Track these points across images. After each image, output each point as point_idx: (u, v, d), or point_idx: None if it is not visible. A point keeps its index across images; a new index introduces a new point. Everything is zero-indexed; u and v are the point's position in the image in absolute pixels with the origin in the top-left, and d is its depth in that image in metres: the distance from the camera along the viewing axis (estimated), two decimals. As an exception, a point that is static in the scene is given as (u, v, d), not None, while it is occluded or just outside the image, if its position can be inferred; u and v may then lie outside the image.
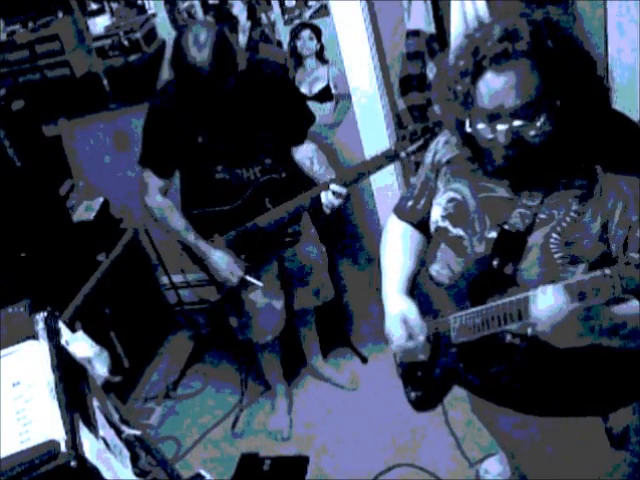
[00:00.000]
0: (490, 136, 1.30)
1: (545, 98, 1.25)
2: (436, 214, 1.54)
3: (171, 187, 2.47)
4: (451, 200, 1.50)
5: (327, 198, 2.21)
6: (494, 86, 1.26)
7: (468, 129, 1.35)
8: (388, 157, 2.14)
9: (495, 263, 1.39)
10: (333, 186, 2.20)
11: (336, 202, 2.20)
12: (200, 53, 2.07)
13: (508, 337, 1.39)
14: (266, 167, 2.40)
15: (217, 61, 2.08)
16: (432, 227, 1.57)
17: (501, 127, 1.28)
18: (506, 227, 1.38)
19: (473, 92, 1.30)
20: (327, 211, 2.24)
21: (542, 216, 1.34)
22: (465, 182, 1.48)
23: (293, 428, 2.85)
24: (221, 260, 2.42)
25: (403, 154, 2.08)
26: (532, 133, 1.27)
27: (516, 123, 1.26)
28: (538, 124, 1.26)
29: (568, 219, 1.31)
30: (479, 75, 1.28)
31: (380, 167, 2.18)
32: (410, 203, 1.68)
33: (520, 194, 1.38)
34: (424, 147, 2.38)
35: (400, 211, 1.73)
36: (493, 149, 1.33)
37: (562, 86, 1.24)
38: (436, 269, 1.57)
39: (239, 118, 2.31)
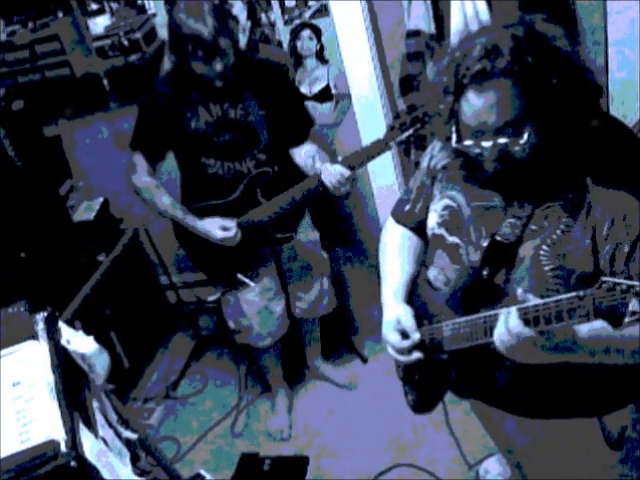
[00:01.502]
0: (477, 151, 1.30)
1: (529, 114, 1.24)
2: (432, 220, 1.54)
3: (158, 171, 2.47)
4: (446, 207, 1.50)
5: (327, 180, 2.18)
6: (475, 105, 1.25)
7: (454, 144, 1.34)
8: (378, 148, 2.12)
9: (485, 273, 1.39)
10: (329, 166, 2.17)
11: (334, 180, 2.16)
12: (197, 23, 2.08)
13: None
14: (260, 162, 2.40)
15: (220, 26, 2.10)
16: (429, 233, 1.57)
17: (486, 144, 1.28)
18: (496, 237, 1.38)
19: (457, 108, 1.30)
20: (334, 192, 2.20)
21: (533, 227, 1.34)
22: (460, 189, 1.48)
23: (293, 428, 2.85)
24: (210, 224, 2.39)
25: (392, 144, 2.08)
26: (517, 148, 1.26)
27: (501, 140, 1.26)
28: (522, 141, 1.25)
29: (558, 231, 1.31)
30: (461, 93, 1.28)
31: (370, 158, 2.16)
32: (407, 207, 1.68)
33: (511, 204, 1.38)
34: (420, 141, 2.35)
35: (397, 215, 1.73)
36: (483, 162, 1.33)
37: (545, 102, 1.23)
38: (433, 274, 1.57)
39: (237, 112, 2.31)
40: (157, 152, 2.44)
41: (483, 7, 2.44)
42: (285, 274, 2.67)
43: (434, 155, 1.58)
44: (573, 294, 1.14)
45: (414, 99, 2.72)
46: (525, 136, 1.25)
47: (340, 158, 2.18)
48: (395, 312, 1.59)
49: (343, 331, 3.13)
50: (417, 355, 1.56)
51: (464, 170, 1.46)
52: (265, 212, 2.39)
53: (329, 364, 3.03)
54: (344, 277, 3.24)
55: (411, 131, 2.02)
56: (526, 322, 1.22)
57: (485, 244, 1.41)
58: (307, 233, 2.65)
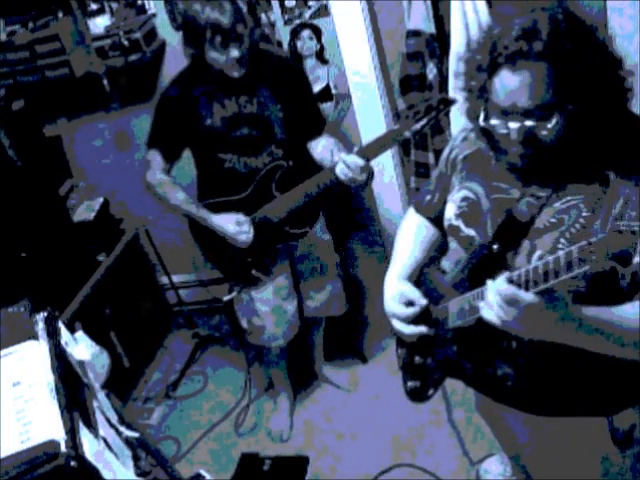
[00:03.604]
0: (503, 131, 1.30)
1: (559, 100, 1.24)
2: (450, 212, 1.54)
3: (173, 169, 2.47)
4: (465, 199, 1.50)
5: (342, 172, 2.16)
6: (508, 84, 1.25)
7: (482, 123, 1.34)
8: (393, 138, 2.11)
9: (495, 247, 1.39)
10: (344, 156, 2.15)
11: (349, 171, 2.14)
12: (214, 11, 2.10)
13: (514, 343, 1.39)
14: (276, 157, 2.40)
15: (236, 12, 2.12)
16: (445, 224, 1.56)
17: (513, 125, 1.27)
18: (512, 213, 1.38)
19: (489, 86, 1.30)
20: (350, 183, 2.18)
21: (552, 220, 1.33)
22: (480, 181, 1.48)
23: (293, 430, 2.85)
24: (223, 219, 2.38)
25: (408, 133, 2.06)
26: (544, 133, 1.26)
27: (528, 122, 1.26)
28: (550, 125, 1.25)
29: (577, 225, 1.30)
30: (495, 71, 1.28)
31: (384, 148, 2.15)
32: (428, 197, 1.68)
33: (530, 186, 1.38)
34: (421, 141, 2.32)
35: (418, 205, 1.74)
36: (508, 146, 1.33)
37: (577, 89, 1.23)
38: (447, 265, 1.58)
39: (253, 106, 2.32)
40: (174, 150, 2.44)
41: (483, 7, 2.44)
42: (298, 273, 2.67)
43: (456, 146, 1.58)
44: (583, 242, 1.13)
45: (414, 99, 2.73)
46: (553, 121, 1.25)
47: (355, 149, 2.17)
48: (398, 288, 1.60)
49: (345, 333, 3.13)
50: (423, 328, 1.56)
51: (486, 159, 1.46)
52: (280, 207, 2.38)
53: (330, 365, 3.03)
54: (354, 279, 3.24)
55: (425, 120, 2.00)
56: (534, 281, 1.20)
57: (500, 220, 1.41)
58: (321, 235, 2.65)
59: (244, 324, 2.70)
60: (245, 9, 2.19)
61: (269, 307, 2.59)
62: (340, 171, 2.16)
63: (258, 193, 2.40)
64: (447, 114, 2.16)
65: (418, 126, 2.02)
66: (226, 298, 2.62)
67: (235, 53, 2.18)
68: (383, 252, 3.20)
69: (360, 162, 2.13)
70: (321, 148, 2.44)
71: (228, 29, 2.13)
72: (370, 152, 2.15)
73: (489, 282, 1.26)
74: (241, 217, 2.38)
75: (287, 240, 2.51)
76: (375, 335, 3.10)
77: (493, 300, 1.23)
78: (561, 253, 1.16)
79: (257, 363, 3.07)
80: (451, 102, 1.99)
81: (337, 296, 2.78)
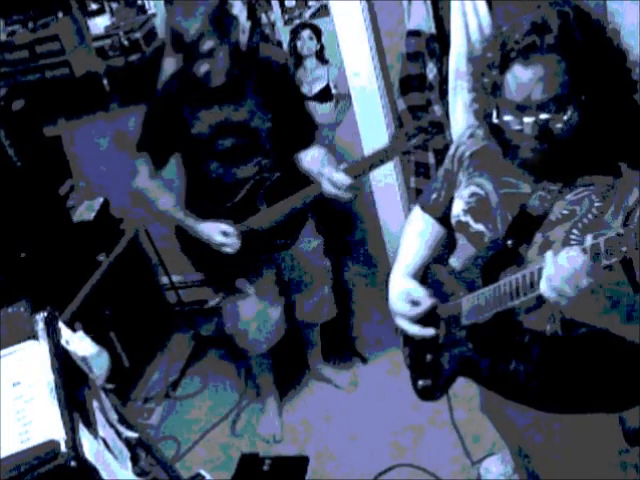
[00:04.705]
0: (517, 127, 1.31)
1: (573, 92, 1.25)
2: (457, 208, 1.54)
3: (160, 173, 2.46)
4: (473, 195, 1.50)
5: (328, 188, 2.15)
6: (522, 78, 1.27)
7: (495, 120, 1.35)
8: (381, 157, 2.10)
9: (509, 243, 1.40)
10: (331, 173, 2.13)
11: (335, 189, 2.12)
12: (182, 23, 2.07)
13: (527, 337, 1.39)
14: (263, 167, 2.39)
15: (207, 30, 2.07)
16: (453, 221, 1.57)
17: (528, 119, 1.28)
18: (525, 209, 1.38)
19: (501, 83, 1.31)
20: (335, 198, 2.17)
21: (564, 212, 1.34)
22: (488, 177, 1.48)
23: (289, 430, 2.84)
24: (210, 228, 2.35)
25: (399, 152, 2.06)
26: (559, 126, 1.27)
27: (543, 116, 1.27)
28: (565, 117, 1.26)
29: (590, 216, 1.31)
30: (507, 67, 1.29)
31: (373, 167, 2.15)
32: (434, 196, 1.69)
33: (542, 181, 1.39)
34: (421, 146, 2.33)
35: (424, 203, 1.74)
36: (520, 142, 1.33)
37: (590, 81, 1.25)
38: (454, 261, 1.59)
39: (241, 114, 2.30)
40: (162, 155, 2.43)
41: (483, 7, 2.44)
42: (286, 283, 2.67)
43: (462, 142, 1.59)
44: (612, 234, 1.14)
45: (414, 99, 2.72)
46: (568, 112, 1.26)
47: (343, 166, 2.16)
48: (404, 286, 1.60)
49: (344, 333, 3.12)
50: (430, 331, 1.56)
51: (494, 155, 1.46)
52: (265, 219, 2.38)
53: (330, 366, 3.03)
54: (347, 284, 3.24)
55: (415, 141, 2.01)
56: None
57: (512, 217, 1.41)
58: (310, 240, 2.64)
59: (229, 328, 2.70)
60: (246, 14, 2.18)
61: (252, 313, 2.59)
62: (326, 188, 2.15)
63: (244, 204, 2.39)
64: (434, 136, 2.14)
65: (410, 145, 2.02)
66: (211, 302, 2.63)
67: (202, 69, 2.15)
68: (384, 252, 3.20)
69: (347, 180, 2.10)
70: (310, 158, 2.40)
71: (188, 44, 2.09)
72: (358, 170, 2.13)
73: (549, 253, 1.22)
74: (227, 227, 2.35)
75: (272, 251, 2.52)
76: (374, 335, 3.09)
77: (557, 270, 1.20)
78: (588, 245, 1.17)
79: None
80: (442, 126, 2.00)
81: (325, 302, 2.78)
